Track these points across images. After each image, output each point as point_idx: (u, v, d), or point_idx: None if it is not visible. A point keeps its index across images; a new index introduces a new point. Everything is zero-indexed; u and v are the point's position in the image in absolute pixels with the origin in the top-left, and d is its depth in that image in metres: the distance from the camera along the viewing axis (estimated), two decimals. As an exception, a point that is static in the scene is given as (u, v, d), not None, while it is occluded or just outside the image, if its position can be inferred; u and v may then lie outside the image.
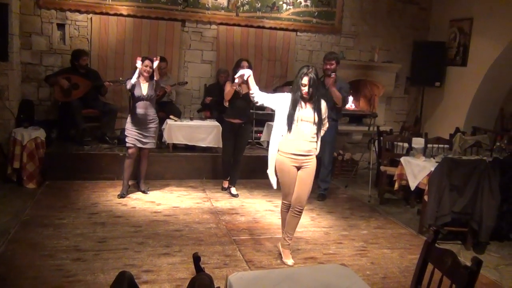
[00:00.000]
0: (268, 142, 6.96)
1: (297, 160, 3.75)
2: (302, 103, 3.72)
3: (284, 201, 3.97)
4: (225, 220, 4.88)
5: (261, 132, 7.15)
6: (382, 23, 8.16)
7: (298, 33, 7.83)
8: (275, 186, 3.96)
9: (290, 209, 3.90)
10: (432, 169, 4.67)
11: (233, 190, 5.87)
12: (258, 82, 5.82)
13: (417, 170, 5.05)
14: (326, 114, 3.88)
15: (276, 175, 3.93)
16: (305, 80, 3.65)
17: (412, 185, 5.09)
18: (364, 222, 5.16)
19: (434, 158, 5.14)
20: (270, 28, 7.63)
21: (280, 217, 4.13)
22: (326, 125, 3.92)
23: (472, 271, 1.91)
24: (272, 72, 7.76)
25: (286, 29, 7.71)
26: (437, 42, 7.87)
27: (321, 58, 7.93)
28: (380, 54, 8.09)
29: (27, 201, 5.04)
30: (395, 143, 6.44)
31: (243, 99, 5.48)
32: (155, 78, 5.32)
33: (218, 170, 6.42)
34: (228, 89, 5.49)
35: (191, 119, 6.64)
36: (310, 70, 3.66)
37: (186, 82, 7.11)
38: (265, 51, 7.68)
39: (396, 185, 5.44)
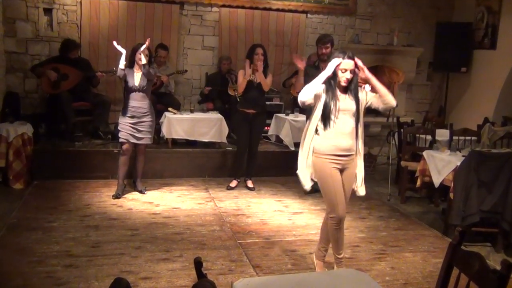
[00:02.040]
0: (276, 136, 7.04)
1: (339, 161, 3.47)
2: (339, 93, 3.46)
3: (332, 216, 3.51)
4: (230, 222, 4.90)
5: (268, 125, 7.14)
6: (402, 2, 8.11)
7: (309, 15, 7.80)
8: (308, 187, 3.64)
9: (330, 221, 3.55)
10: (458, 164, 4.65)
11: (250, 183, 6.02)
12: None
13: (441, 165, 5.02)
14: (371, 100, 3.53)
15: (315, 187, 3.74)
16: (345, 65, 3.39)
17: (436, 182, 5.06)
18: (383, 223, 5.15)
19: (460, 152, 5.11)
20: (278, 10, 7.61)
21: (320, 230, 3.80)
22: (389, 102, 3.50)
23: (502, 276, 1.90)
24: (280, 59, 7.74)
25: (295, 11, 7.68)
26: (462, 23, 7.81)
27: (334, 42, 7.93)
28: (399, 37, 8.04)
29: (14, 203, 5.08)
30: (417, 135, 6.41)
31: (257, 89, 5.62)
32: (142, 62, 5.17)
33: (222, 167, 6.45)
34: (242, 80, 5.63)
35: (192, 111, 6.65)
36: (349, 53, 3.42)
37: (186, 71, 7.12)
38: (272, 35, 7.66)
39: (418, 182, 5.42)
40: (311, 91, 3.44)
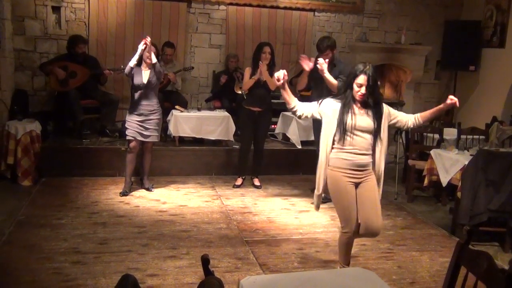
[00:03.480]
0: (283, 134, 7.03)
1: (354, 175, 3.35)
2: (356, 108, 3.32)
3: (345, 231, 3.43)
4: (236, 220, 4.90)
5: (275, 123, 7.13)
6: (410, 0, 8.07)
7: (316, 13, 7.78)
8: (317, 209, 3.65)
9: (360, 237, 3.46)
10: (466, 162, 4.63)
11: (256, 181, 6.04)
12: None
13: (449, 164, 5.00)
14: (395, 119, 3.48)
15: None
16: (361, 79, 3.24)
17: (444, 181, 5.04)
18: (390, 221, 5.14)
19: (468, 151, 5.09)
20: (285, 8, 7.60)
21: (340, 249, 3.62)
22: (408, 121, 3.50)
23: (510, 275, 1.89)
24: (287, 57, 7.74)
25: (303, 9, 7.67)
26: (471, 21, 7.76)
27: (341, 41, 7.95)
28: (407, 35, 8.01)
29: (22, 200, 5.12)
30: (425, 134, 6.38)
31: (263, 87, 5.62)
32: (153, 61, 5.22)
33: (229, 165, 6.45)
34: (248, 79, 5.64)
35: (199, 109, 6.66)
36: (368, 67, 3.25)
37: (192, 67, 7.13)
38: (279, 33, 7.65)
39: (426, 181, 5.41)
40: (310, 110, 3.44)
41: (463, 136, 5.94)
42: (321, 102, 3.45)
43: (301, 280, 2.32)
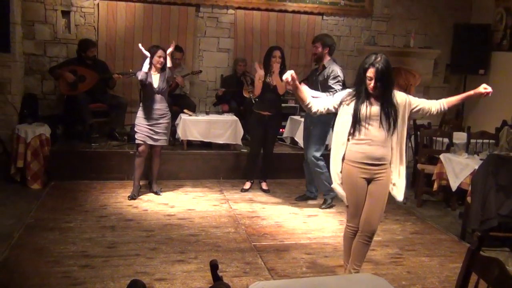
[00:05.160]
0: (291, 138, 7.03)
1: (367, 170, 3.31)
2: (373, 99, 3.27)
3: (350, 224, 3.50)
4: (244, 224, 4.90)
5: (283, 127, 7.13)
6: (419, 4, 8.04)
7: (324, 17, 7.78)
8: (346, 201, 3.49)
9: (358, 233, 3.45)
10: (476, 167, 4.59)
11: (264, 185, 6.04)
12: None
13: (458, 168, 4.96)
14: (417, 107, 3.37)
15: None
16: (370, 73, 3.19)
17: (453, 185, 5.01)
18: (399, 226, 5.11)
19: (478, 155, 5.05)
20: (293, 11, 7.60)
21: (343, 242, 3.67)
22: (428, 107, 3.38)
23: (523, 283, 1.87)
24: (296, 61, 7.73)
25: (311, 13, 7.67)
26: (481, 25, 7.71)
27: (350, 44, 7.95)
28: (416, 39, 7.98)
29: (31, 203, 5.15)
30: (434, 138, 6.35)
31: (273, 91, 5.63)
32: (168, 65, 5.35)
33: (237, 169, 6.45)
34: (257, 83, 5.68)
35: (207, 113, 6.68)
36: (379, 59, 3.18)
37: (201, 71, 7.15)
38: (287, 37, 7.65)
39: (435, 186, 5.37)
40: (326, 105, 3.41)
41: (472, 140, 5.90)
42: (335, 95, 3.45)
43: (309, 285, 2.31)
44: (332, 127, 5.34)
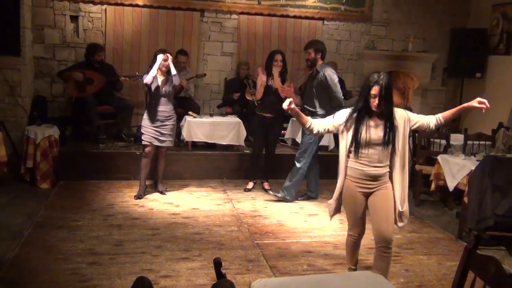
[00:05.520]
0: (292, 140, 7.02)
1: (366, 185, 3.29)
2: (370, 121, 3.21)
3: (350, 233, 3.52)
4: (247, 223, 4.89)
5: (285, 129, 7.13)
6: (417, 9, 8.03)
7: (325, 22, 7.78)
8: (330, 218, 3.61)
9: (375, 248, 3.36)
10: (473, 168, 4.58)
11: (266, 185, 6.04)
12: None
13: (455, 169, 4.95)
14: (417, 124, 3.38)
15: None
16: (374, 90, 3.12)
17: (451, 186, 5.00)
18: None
19: (474, 156, 5.04)
20: (295, 17, 7.60)
21: (345, 248, 3.64)
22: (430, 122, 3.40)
23: (519, 281, 1.86)
24: (297, 65, 7.73)
25: (312, 18, 7.67)
26: (477, 29, 7.70)
27: (350, 48, 7.94)
28: (414, 43, 7.97)
29: (40, 202, 5.16)
30: (432, 140, 6.33)
31: (274, 94, 5.64)
32: (174, 82, 5.40)
33: (240, 170, 6.45)
34: (259, 88, 5.72)
35: (211, 115, 6.68)
36: (382, 77, 3.13)
37: (205, 74, 7.15)
38: (289, 41, 7.65)
39: (433, 186, 5.36)
40: (325, 125, 3.39)
41: (469, 142, 5.88)
42: (335, 115, 3.39)
43: (311, 283, 2.31)
44: (318, 142, 5.49)
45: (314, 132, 3.43)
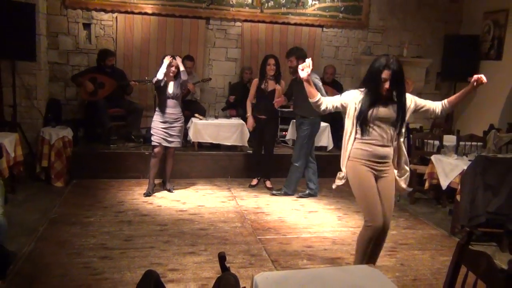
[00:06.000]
0: (294, 141, 7.00)
1: (372, 166, 3.14)
2: (379, 101, 3.09)
3: (369, 225, 3.13)
4: (250, 219, 4.89)
5: (286, 130, 7.13)
6: (412, 16, 8.02)
7: (324, 29, 7.77)
8: (334, 186, 3.36)
9: None
10: (465, 167, 4.56)
11: (268, 183, 6.05)
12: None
13: (448, 168, 4.94)
14: (424, 108, 3.26)
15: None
16: (385, 74, 2.99)
17: (444, 184, 4.98)
18: (393, 222, 5.04)
19: (466, 156, 5.02)
20: (295, 24, 7.60)
21: (356, 246, 3.33)
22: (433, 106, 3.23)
23: (509, 275, 1.85)
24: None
25: (312, 25, 7.66)
26: (470, 36, 7.69)
27: (348, 54, 7.93)
28: (409, 49, 7.95)
29: (55, 200, 5.17)
30: (425, 140, 6.31)
31: (267, 98, 5.67)
32: (182, 78, 5.39)
33: (243, 169, 6.46)
34: (253, 91, 5.78)
35: (216, 117, 6.69)
36: (392, 60, 3.00)
37: (210, 79, 7.16)
38: (290, 47, 7.60)
39: (427, 184, 5.34)
40: (334, 102, 3.22)
41: (462, 143, 5.86)
42: (344, 93, 3.27)
43: (310, 276, 2.30)
44: (312, 141, 5.45)
45: (322, 108, 3.24)
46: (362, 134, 3.12)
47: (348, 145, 3.20)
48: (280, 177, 6.27)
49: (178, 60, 5.37)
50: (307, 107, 5.41)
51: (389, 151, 3.18)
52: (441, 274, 3.73)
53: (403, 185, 3.32)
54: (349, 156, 3.20)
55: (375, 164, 3.16)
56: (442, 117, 3.38)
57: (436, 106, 3.29)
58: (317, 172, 5.77)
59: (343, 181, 3.31)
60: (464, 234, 2.19)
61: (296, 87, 5.54)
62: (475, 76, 3.12)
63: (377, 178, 3.19)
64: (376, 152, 3.13)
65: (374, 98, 3.08)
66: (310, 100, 3.28)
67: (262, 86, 5.68)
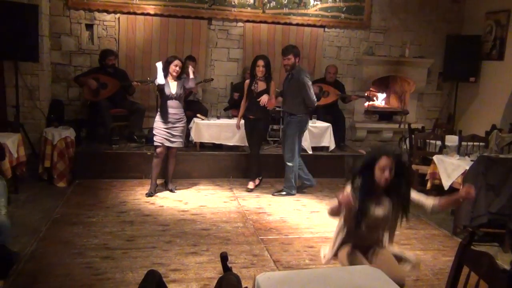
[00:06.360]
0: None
1: (360, 249, 2.87)
2: (379, 194, 2.73)
3: None
4: (252, 219, 4.88)
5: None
6: (413, 17, 7.99)
7: (326, 29, 7.75)
8: (323, 259, 3.07)
9: None
10: (467, 168, 4.55)
11: (250, 184, 5.95)
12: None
13: (450, 169, 4.92)
14: (420, 203, 2.87)
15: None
16: (385, 161, 2.58)
17: (446, 185, 4.97)
18: (395, 222, 5.06)
19: (469, 157, 5.01)
20: (297, 24, 7.58)
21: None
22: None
23: (511, 275, 1.84)
24: (300, 69, 7.70)
25: (314, 25, 7.65)
26: (471, 36, 7.66)
27: (349, 54, 7.91)
28: (411, 49, 7.94)
29: (57, 200, 5.17)
30: (427, 141, 6.29)
31: (255, 98, 5.65)
32: (190, 85, 5.46)
33: (245, 169, 6.45)
34: (246, 92, 5.80)
35: (218, 117, 6.68)
36: (393, 149, 2.66)
37: (212, 79, 7.16)
38: (291, 48, 7.62)
39: (429, 185, 5.33)
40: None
41: (464, 143, 5.84)
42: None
43: (312, 276, 2.30)
44: (301, 138, 5.58)
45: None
46: (356, 227, 2.79)
47: (340, 234, 2.90)
48: (280, 178, 6.27)
49: (190, 70, 5.46)
50: (295, 104, 5.47)
51: (381, 241, 2.90)
52: (443, 274, 3.72)
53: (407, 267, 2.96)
54: (340, 244, 2.90)
55: (364, 249, 2.89)
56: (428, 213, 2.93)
57: (428, 205, 2.89)
58: (306, 167, 5.83)
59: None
60: (466, 235, 2.18)
61: (286, 84, 5.56)
62: (465, 192, 2.76)
63: (367, 254, 2.90)
64: (365, 244, 2.90)
65: (369, 193, 2.72)
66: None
67: (252, 87, 5.68)
